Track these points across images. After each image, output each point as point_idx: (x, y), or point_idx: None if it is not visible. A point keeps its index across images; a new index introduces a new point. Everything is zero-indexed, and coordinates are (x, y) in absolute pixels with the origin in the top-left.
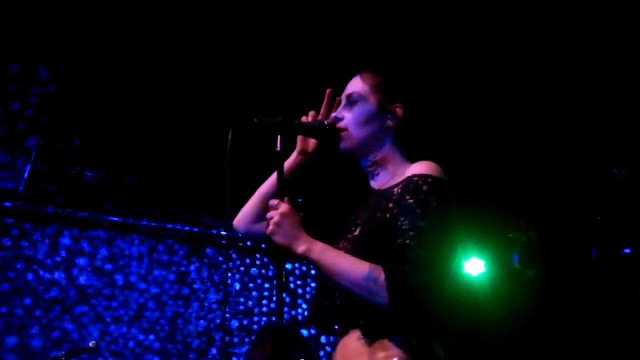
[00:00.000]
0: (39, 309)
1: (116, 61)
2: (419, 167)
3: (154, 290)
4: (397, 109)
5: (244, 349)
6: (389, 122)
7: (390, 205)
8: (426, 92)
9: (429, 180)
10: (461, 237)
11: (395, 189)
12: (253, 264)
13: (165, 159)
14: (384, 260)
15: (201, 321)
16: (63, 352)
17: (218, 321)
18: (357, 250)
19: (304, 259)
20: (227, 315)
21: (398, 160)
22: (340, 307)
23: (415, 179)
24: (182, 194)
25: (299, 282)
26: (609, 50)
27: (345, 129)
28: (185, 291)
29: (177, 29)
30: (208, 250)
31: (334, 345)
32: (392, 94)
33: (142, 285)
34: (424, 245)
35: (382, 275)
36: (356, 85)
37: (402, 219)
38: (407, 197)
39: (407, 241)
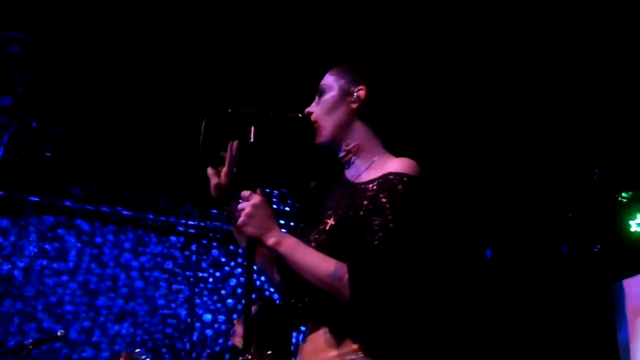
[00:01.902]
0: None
1: (91, 49)
2: (396, 165)
3: (136, 282)
4: (360, 91)
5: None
6: (352, 105)
7: (365, 202)
8: (392, 71)
9: (405, 179)
10: (437, 237)
11: (371, 185)
12: (227, 255)
13: (137, 147)
14: (353, 258)
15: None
16: (31, 340)
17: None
18: (328, 245)
19: (273, 251)
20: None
21: (374, 149)
22: (308, 302)
23: (392, 177)
24: (153, 181)
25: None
26: (571, 56)
27: (316, 122)
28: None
29: (154, 20)
30: (174, 239)
31: (302, 339)
32: (355, 77)
33: (121, 274)
34: (393, 247)
35: (347, 275)
36: (325, 78)
37: (374, 218)
38: (381, 195)
39: (376, 242)
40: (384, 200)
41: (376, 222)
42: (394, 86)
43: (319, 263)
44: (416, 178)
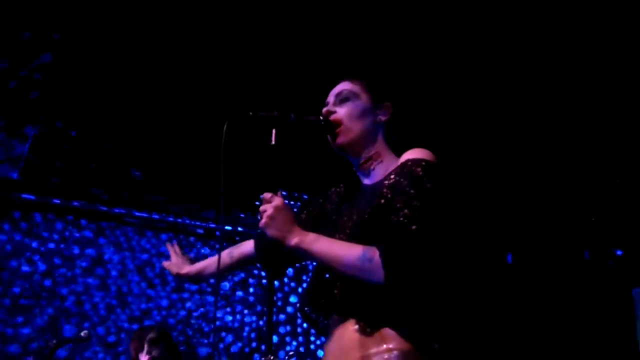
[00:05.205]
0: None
1: (115, 54)
2: (412, 153)
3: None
4: (387, 106)
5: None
6: (381, 117)
7: (385, 191)
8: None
9: (423, 163)
10: (454, 220)
11: (389, 177)
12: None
13: (160, 152)
14: (380, 241)
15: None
16: (55, 341)
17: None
18: (354, 236)
19: (297, 251)
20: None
21: (390, 156)
22: (336, 297)
23: (409, 163)
24: (174, 185)
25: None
26: (575, 56)
27: (340, 123)
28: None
29: (175, 24)
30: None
31: (326, 336)
32: (383, 93)
33: (137, 277)
34: (418, 223)
35: (377, 254)
36: (345, 85)
37: (396, 199)
38: (402, 180)
39: (402, 219)
40: (405, 183)
41: (399, 203)
42: (411, 106)
43: (345, 250)
44: (433, 162)
